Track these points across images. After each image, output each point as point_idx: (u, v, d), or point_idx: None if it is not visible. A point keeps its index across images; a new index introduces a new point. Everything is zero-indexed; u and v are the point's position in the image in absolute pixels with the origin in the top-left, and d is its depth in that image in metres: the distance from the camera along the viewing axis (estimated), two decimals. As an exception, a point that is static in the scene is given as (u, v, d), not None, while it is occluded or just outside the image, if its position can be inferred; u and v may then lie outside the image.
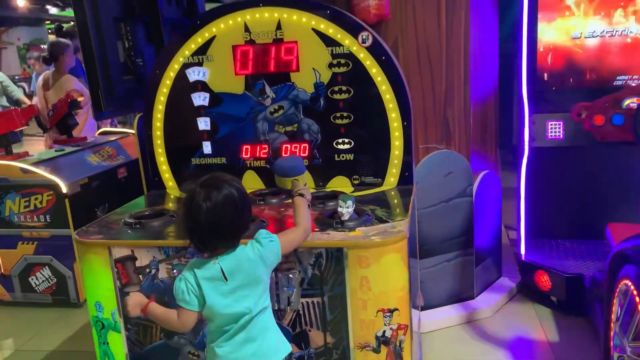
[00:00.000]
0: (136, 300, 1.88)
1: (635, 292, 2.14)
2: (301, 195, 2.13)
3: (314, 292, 2.18)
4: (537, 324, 3.28)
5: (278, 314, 2.20)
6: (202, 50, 2.85)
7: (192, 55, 2.86)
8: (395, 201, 2.67)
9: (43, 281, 3.89)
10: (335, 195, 2.61)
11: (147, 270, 2.28)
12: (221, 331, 1.83)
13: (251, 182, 2.94)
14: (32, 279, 3.90)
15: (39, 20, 19.69)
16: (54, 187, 3.73)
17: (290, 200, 2.66)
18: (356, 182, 2.87)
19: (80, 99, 4.68)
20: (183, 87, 2.91)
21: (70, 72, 5.23)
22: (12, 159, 3.94)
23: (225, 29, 2.80)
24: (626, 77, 3.27)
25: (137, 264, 2.29)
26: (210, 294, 1.77)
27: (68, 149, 4.31)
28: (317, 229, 2.20)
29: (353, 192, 2.76)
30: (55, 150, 4.28)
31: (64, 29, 5.77)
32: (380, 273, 2.12)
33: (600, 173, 3.39)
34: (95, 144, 4.51)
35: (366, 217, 2.31)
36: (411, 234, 2.31)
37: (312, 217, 2.18)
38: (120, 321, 2.35)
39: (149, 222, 2.45)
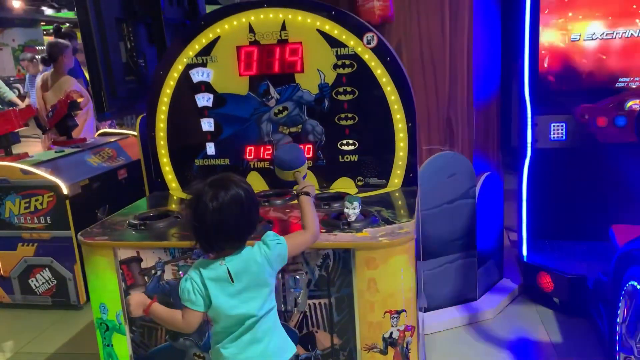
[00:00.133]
0: (139, 300, 1.87)
1: (642, 293, 2.15)
2: (306, 194, 2.07)
3: (321, 294, 2.17)
4: (540, 326, 3.28)
5: (285, 315, 2.20)
6: (206, 51, 2.84)
7: (196, 55, 2.85)
8: (400, 202, 2.66)
9: (43, 283, 3.86)
10: (340, 197, 2.61)
11: (153, 271, 2.27)
12: (227, 332, 1.82)
13: (255, 183, 2.90)
14: (32, 281, 3.88)
15: (34, 21, 19.65)
16: (54, 188, 3.71)
17: (294, 202, 2.68)
18: (360, 183, 2.87)
19: (79, 100, 4.66)
20: (187, 88, 2.91)
21: (69, 73, 5.20)
22: (12, 159, 3.92)
23: (230, 29, 2.80)
24: (628, 79, 3.28)
25: (143, 265, 2.28)
26: (216, 295, 1.76)
27: (68, 150, 4.29)
28: (324, 230, 2.20)
29: (357, 193, 2.76)
30: (55, 152, 4.26)
31: (62, 30, 5.74)
32: (387, 274, 2.11)
33: (602, 174, 3.39)
34: (95, 145, 4.49)
35: (372, 218, 2.31)
36: (416, 236, 2.31)
37: (318, 218, 2.16)
38: (125, 323, 2.34)
39: (154, 223, 2.44)
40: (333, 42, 2.71)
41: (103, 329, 2.38)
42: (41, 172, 3.74)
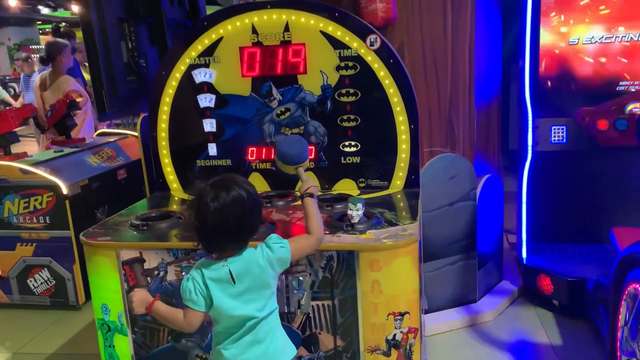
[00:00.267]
0: (141, 297, 1.86)
1: (644, 296, 2.15)
2: (310, 195, 2.05)
3: (324, 295, 2.17)
4: (540, 328, 3.29)
5: (288, 317, 2.19)
6: (209, 51, 2.83)
7: (199, 56, 2.85)
8: (403, 204, 2.67)
9: (42, 283, 3.85)
10: (342, 198, 2.61)
11: (156, 272, 2.26)
12: (228, 333, 1.82)
13: (257, 184, 2.84)
14: (31, 281, 3.86)
15: (30, 20, 19.56)
16: (54, 188, 3.69)
17: (296, 203, 2.68)
18: (362, 184, 2.87)
19: (79, 99, 4.64)
20: (189, 89, 2.90)
21: (68, 73, 5.19)
22: (12, 159, 3.89)
23: (233, 30, 2.79)
24: (628, 83, 3.29)
25: (145, 266, 2.27)
26: (217, 295, 1.75)
27: (67, 150, 4.27)
28: (328, 232, 2.18)
29: (359, 194, 2.76)
30: (54, 151, 4.24)
31: (61, 29, 5.72)
32: (391, 276, 2.11)
33: (603, 177, 3.40)
34: (94, 145, 4.48)
35: (376, 219, 2.31)
36: (419, 238, 2.31)
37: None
38: (127, 324, 2.33)
39: (157, 223, 2.43)
40: (336, 43, 2.71)
41: (105, 329, 2.37)
42: (40, 172, 3.72)
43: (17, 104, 8.07)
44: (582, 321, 3.23)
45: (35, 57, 11.04)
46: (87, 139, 4.71)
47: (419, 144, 2.78)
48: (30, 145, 7.44)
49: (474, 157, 3.37)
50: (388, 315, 2.14)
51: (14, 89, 13.80)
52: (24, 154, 4.10)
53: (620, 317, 2.42)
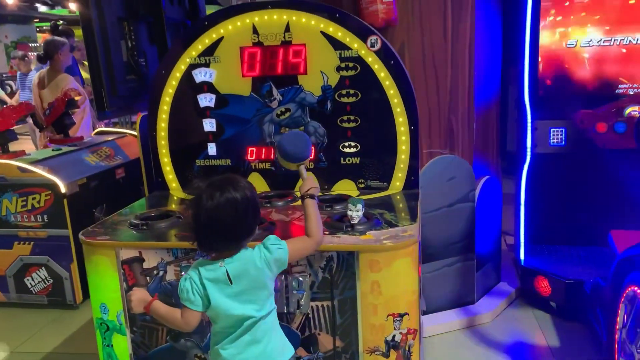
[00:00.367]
0: (140, 296, 1.86)
1: (642, 299, 2.16)
2: (311, 197, 2.02)
3: (324, 296, 2.17)
4: (537, 329, 3.29)
5: (287, 317, 2.19)
6: (210, 51, 2.83)
7: (199, 56, 2.85)
8: (402, 205, 2.67)
9: (39, 282, 3.83)
10: (342, 199, 2.62)
11: (155, 272, 2.26)
12: (226, 333, 1.82)
13: (256, 185, 2.89)
14: (28, 280, 3.84)
15: (27, 18, 19.50)
16: (52, 186, 3.68)
17: (296, 203, 2.68)
18: (362, 185, 2.87)
19: (77, 98, 4.63)
20: (189, 88, 2.90)
21: (66, 71, 5.17)
22: (10, 157, 3.88)
23: (233, 30, 2.79)
24: (627, 86, 3.30)
25: (144, 265, 2.27)
26: (215, 295, 1.75)
27: (65, 149, 4.26)
28: (327, 232, 2.19)
29: (359, 195, 2.76)
30: (52, 150, 4.23)
31: (60, 28, 5.70)
32: (391, 277, 2.12)
33: (601, 180, 3.41)
34: (92, 143, 4.47)
35: (376, 220, 2.31)
36: (419, 239, 2.31)
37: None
38: (126, 323, 2.33)
39: (156, 223, 2.43)
40: (337, 44, 2.72)
41: (103, 329, 2.37)
42: (39, 170, 3.71)
43: (12, 102, 8.05)
44: (580, 323, 3.24)
45: (32, 55, 11.02)
46: (85, 138, 4.70)
47: (419, 145, 2.78)
48: (26, 144, 7.42)
49: (473, 158, 3.38)
50: (387, 316, 2.14)
51: (11, 87, 13.76)
52: (22, 152, 4.09)
53: (618, 319, 2.43)
